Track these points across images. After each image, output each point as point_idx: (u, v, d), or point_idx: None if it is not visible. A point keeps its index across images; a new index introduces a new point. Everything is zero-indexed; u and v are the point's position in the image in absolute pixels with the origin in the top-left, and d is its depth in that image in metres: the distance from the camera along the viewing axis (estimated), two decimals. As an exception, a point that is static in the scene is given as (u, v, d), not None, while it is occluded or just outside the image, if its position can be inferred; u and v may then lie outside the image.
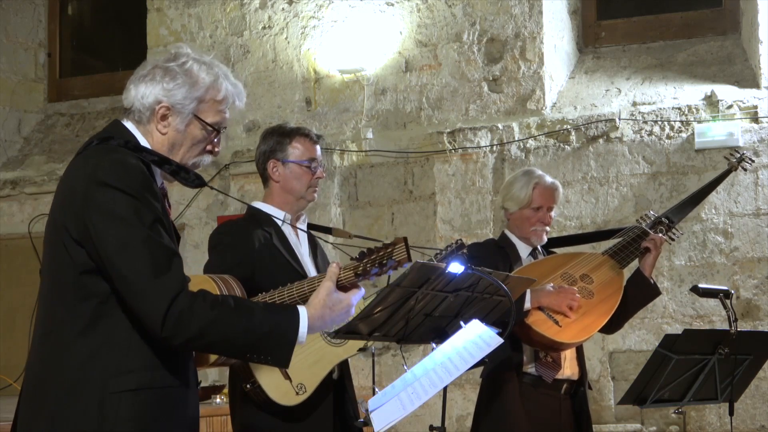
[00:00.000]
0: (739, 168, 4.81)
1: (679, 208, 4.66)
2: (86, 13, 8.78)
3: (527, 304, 4.12)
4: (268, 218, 3.83)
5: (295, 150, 3.87)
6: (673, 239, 4.60)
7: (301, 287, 3.21)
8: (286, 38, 7.35)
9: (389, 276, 2.91)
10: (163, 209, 2.61)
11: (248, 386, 3.59)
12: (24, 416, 2.61)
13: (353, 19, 7.16)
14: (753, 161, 5.07)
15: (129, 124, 2.70)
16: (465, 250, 4.12)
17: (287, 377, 3.59)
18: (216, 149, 2.76)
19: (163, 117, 2.67)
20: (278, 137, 3.90)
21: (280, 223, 3.83)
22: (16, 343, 6.63)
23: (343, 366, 3.86)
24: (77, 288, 2.54)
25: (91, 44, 8.71)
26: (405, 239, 2.80)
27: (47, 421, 2.53)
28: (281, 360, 2.61)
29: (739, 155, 4.80)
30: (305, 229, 3.92)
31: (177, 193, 7.34)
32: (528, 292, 4.10)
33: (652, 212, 4.68)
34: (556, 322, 4.13)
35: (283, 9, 7.36)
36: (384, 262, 2.79)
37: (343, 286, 2.76)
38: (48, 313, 2.61)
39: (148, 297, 2.48)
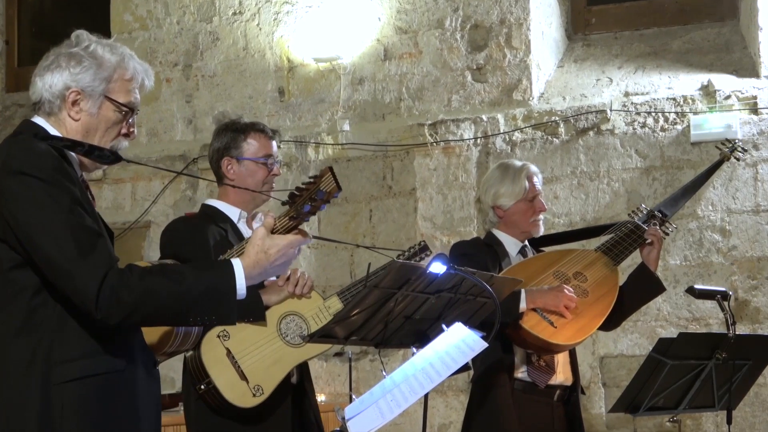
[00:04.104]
0: (732, 158, 4.85)
1: (672, 201, 4.71)
2: (46, -2, 8.93)
3: (522, 304, 4.07)
4: (223, 216, 3.88)
5: (251, 146, 3.90)
6: (667, 234, 4.57)
7: (241, 248, 3.14)
8: (258, 25, 7.29)
9: (323, 210, 2.91)
10: (83, 194, 2.65)
11: (202, 387, 3.60)
12: None
13: (329, 4, 7.11)
14: (746, 150, 5.09)
15: (38, 119, 2.76)
16: (429, 252, 4.27)
17: (244, 378, 3.62)
18: (132, 131, 2.81)
19: (75, 102, 2.73)
20: (232, 133, 3.92)
21: (235, 220, 3.88)
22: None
23: (303, 369, 3.88)
24: (7, 286, 2.60)
25: (51, 31, 8.59)
26: (330, 168, 2.81)
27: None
28: (225, 317, 2.66)
29: (731, 144, 4.85)
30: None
31: (142, 189, 7.33)
32: (523, 292, 4.08)
33: (644, 206, 4.66)
34: (551, 323, 4.10)
35: (255, -7, 7.42)
36: (314, 196, 2.80)
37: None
38: None
39: (78, 279, 2.53)
